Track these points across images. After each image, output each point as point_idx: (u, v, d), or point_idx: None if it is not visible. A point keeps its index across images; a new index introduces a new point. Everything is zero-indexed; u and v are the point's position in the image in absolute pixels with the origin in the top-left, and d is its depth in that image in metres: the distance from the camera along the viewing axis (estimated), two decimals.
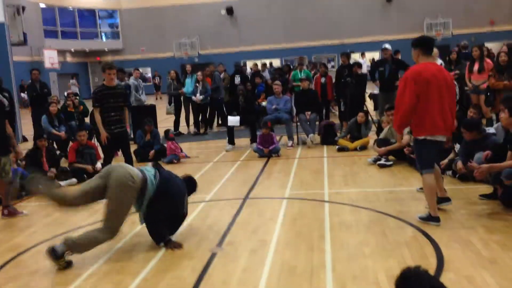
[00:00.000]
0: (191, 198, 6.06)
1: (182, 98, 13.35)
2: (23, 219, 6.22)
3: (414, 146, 5.23)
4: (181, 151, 9.50)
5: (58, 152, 9.65)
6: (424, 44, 5.08)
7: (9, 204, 6.34)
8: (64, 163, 9.03)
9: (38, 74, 11.87)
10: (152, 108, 12.52)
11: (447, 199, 5.36)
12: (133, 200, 4.62)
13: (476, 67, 9.72)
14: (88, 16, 35.40)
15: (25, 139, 13.51)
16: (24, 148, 10.03)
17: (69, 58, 33.98)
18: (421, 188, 6.17)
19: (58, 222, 6.01)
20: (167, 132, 10.40)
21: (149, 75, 34.15)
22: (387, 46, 10.44)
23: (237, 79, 13.47)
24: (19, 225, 6.02)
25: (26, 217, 6.29)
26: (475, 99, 9.69)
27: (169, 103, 13.63)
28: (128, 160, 7.22)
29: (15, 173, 6.92)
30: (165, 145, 9.70)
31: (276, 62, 31.14)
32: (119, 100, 7.25)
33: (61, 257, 4.34)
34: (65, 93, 13.91)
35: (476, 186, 6.12)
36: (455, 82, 10.28)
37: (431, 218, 4.99)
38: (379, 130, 9.09)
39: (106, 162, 7.26)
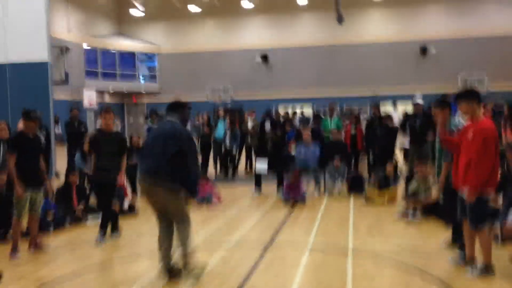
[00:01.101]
0: (216, 241, 6.08)
1: (212, 141, 13.52)
2: (49, 253, 6.32)
3: (474, 203, 4.99)
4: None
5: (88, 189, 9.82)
6: (479, 96, 5.15)
7: (36, 238, 6.46)
8: (92, 202, 9.18)
9: (77, 112, 12.26)
10: None
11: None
12: None
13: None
14: (128, 58, 36.72)
15: (57, 175, 13.85)
16: (56, 184, 10.30)
17: (107, 98, 35.07)
18: (445, 242, 6.08)
19: (82, 257, 6.09)
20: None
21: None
22: (419, 101, 10.46)
23: (267, 125, 13.61)
24: (44, 258, 6.12)
25: (52, 251, 6.39)
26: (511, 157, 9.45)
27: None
28: (105, 210, 6.94)
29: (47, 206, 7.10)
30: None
31: (308, 111, 31.39)
32: (115, 146, 6.85)
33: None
34: None
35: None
36: None
37: (489, 268, 4.97)
38: (408, 183, 8.96)
39: (99, 207, 7.24)
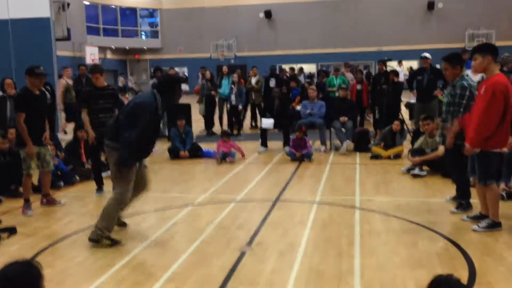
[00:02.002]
0: (223, 198, 6.15)
1: (217, 99, 13.49)
2: (61, 209, 6.43)
3: (480, 158, 5.01)
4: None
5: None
6: (495, 51, 4.99)
7: (48, 194, 6.56)
8: (102, 156, 9.24)
9: (85, 69, 12.19)
10: (187, 107, 12.69)
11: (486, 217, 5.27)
12: None
13: None
14: (130, 14, 36.11)
15: (65, 132, 13.89)
16: (63, 140, 10.35)
17: (109, 55, 34.74)
18: (451, 198, 6.13)
19: (93, 213, 6.17)
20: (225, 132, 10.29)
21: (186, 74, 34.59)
22: (427, 55, 10.29)
23: (272, 82, 13.54)
24: (56, 214, 6.22)
25: (63, 207, 6.49)
26: None
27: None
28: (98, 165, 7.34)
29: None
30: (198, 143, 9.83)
31: (312, 67, 31.10)
32: (109, 101, 7.01)
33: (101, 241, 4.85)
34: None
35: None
36: None
37: (495, 225, 5.02)
38: (415, 139, 8.98)
39: (93, 162, 7.39)
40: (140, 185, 5.25)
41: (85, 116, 6.94)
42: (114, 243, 4.88)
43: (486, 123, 4.83)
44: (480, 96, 4.93)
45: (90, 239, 4.89)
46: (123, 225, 5.50)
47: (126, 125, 4.81)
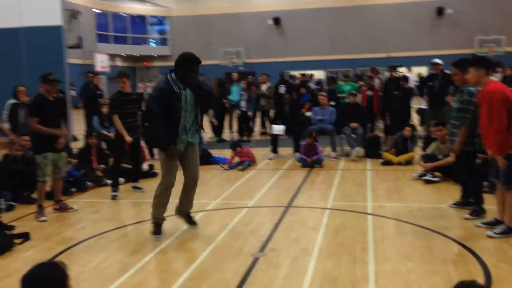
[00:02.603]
0: (235, 203, 6.16)
1: (227, 105, 13.53)
2: (73, 214, 6.46)
3: (504, 162, 4.97)
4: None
5: (107, 152, 9.93)
6: (490, 64, 5.14)
7: (61, 199, 6.60)
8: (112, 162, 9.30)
9: (93, 76, 12.29)
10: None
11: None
12: None
13: None
14: (139, 22, 36.39)
15: (75, 139, 13.98)
16: (74, 147, 10.42)
17: (119, 62, 34.98)
18: (454, 204, 6.12)
19: (105, 219, 6.22)
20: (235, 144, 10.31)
21: None
22: (438, 61, 10.25)
23: (282, 89, 13.55)
24: (69, 220, 6.25)
25: (76, 213, 6.52)
26: None
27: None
28: (136, 164, 7.87)
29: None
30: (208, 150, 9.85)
31: (320, 74, 31.07)
32: (135, 106, 7.43)
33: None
34: None
35: None
36: None
37: (510, 230, 5.00)
38: (426, 145, 8.95)
39: (116, 164, 7.53)
40: (188, 176, 5.45)
41: (117, 121, 7.23)
42: (156, 231, 5.21)
43: (495, 131, 4.84)
44: (480, 108, 5.06)
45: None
46: (192, 223, 5.65)
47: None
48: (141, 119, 7.58)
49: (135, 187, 7.69)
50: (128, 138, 7.22)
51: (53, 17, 13.71)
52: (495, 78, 11.10)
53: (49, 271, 2.06)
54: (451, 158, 7.19)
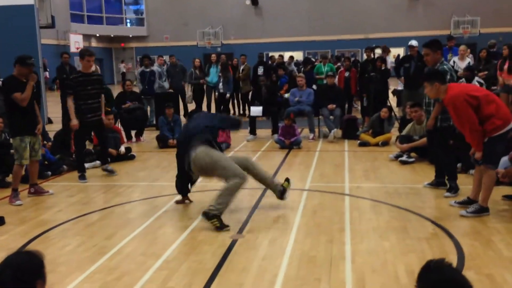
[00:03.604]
0: (212, 186, 6.16)
1: (205, 87, 13.44)
2: (49, 198, 6.37)
3: (485, 144, 5.03)
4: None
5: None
6: (441, 77, 5.24)
7: (36, 183, 6.50)
8: (88, 145, 9.18)
9: (68, 57, 12.04)
10: (175, 95, 12.62)
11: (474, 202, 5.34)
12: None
13: (506, 66, 9.57)
14: (114, 1, 35.67)
15: (50, 121, 13.75)
16: (49, 129, 10.23)
17: (94, 43, 34.32)
18: (428, 184, 6.27)
19: (81, 202, 6.16)
20: None
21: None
22: (414, 43, 10.32)
23: (260, 70, 13.50)
24: (45, 203, 6.17)
25: (52, 196, 6.43)
26: (505, 98, 9.51)
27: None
28: (104, 147, 7.52)
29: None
30: None
31: (299, 55, 31.03)
32: (96, 87, 7.16)
33: (212, 218, 4.92)
34: None
35: (500, 186, 6.07)
36: (482, 82, 10.19)
37: (483, 210, 5.09)
38: (402, 126, 9.05)
39: (78, 149, 7.36)
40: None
41: (70, 102, 7.00)
42: (223, 226, 4.90)
43: (469, 131, 4.96)
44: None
45: (204, 213, 4.98)
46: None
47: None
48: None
49: (106, 170, 7.50)
50: (75, 122, 6.95)
51: None
52: (469, 59, 11.30)
53: (25, 260, 2.03)
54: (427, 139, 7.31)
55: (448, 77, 5.59)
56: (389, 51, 12.70)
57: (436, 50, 5.88)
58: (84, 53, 7.08)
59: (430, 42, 5.97)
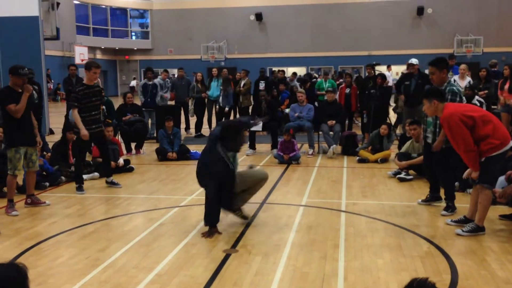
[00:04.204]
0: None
1: (206, 101, 13.50)
2: (45, 209, 6.37)
3: (481, 164, 5.03)
4: None
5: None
6: (439, 94, 5.26)
7: (33, 194, 6.50)
8: (88, 157, 9.19)
9: (75, 69, 12.12)
10: (177, 108, 12.68)
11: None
12: None
13: (507, 86, 9.57)
14: (120, 15, 36.00)
15: (52, 132, 13.81)
16: (50, 140, 10.27)
17: (98, 55, 34.57)
18: (423, 201, 6.30)
19: (77, 214, 6.16)
20: None
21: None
22: (414, 61, 10.37)
23: (262, 85, 13.57)
24: (41, 214, 6.17)
25: (48, 207, 6.43)
26: (506, 118, 9.48)
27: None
28: (106, 158, 7.60)
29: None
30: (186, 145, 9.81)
31: (302, 70, 31.16)
32: (98, 99, 7.30)
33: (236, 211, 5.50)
34: None
35: (496, 206, 6.04)
36: (483, 101, 10.19)
37: (479, 229, 5.08)
38: (401, 143, 9.04)
39: (77, 160, 7.45)
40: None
41: (76, 114, 7.06)
42: (243, 217, 5.56)
43: (463, 152, 4.98)
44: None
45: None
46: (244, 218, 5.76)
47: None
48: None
49: (112, 183, 7.54)
50: (85, 132, 7.03)
51: (30, 8, 13.52)
52: (469, 78, 11.32)
53: (8, 272, 2.01)
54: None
55: (458, 99, 5.62)
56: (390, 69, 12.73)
57: (442, 69, 5.79)
58: (92, 65, 7.19)
59: (436, 60, 5.88)
